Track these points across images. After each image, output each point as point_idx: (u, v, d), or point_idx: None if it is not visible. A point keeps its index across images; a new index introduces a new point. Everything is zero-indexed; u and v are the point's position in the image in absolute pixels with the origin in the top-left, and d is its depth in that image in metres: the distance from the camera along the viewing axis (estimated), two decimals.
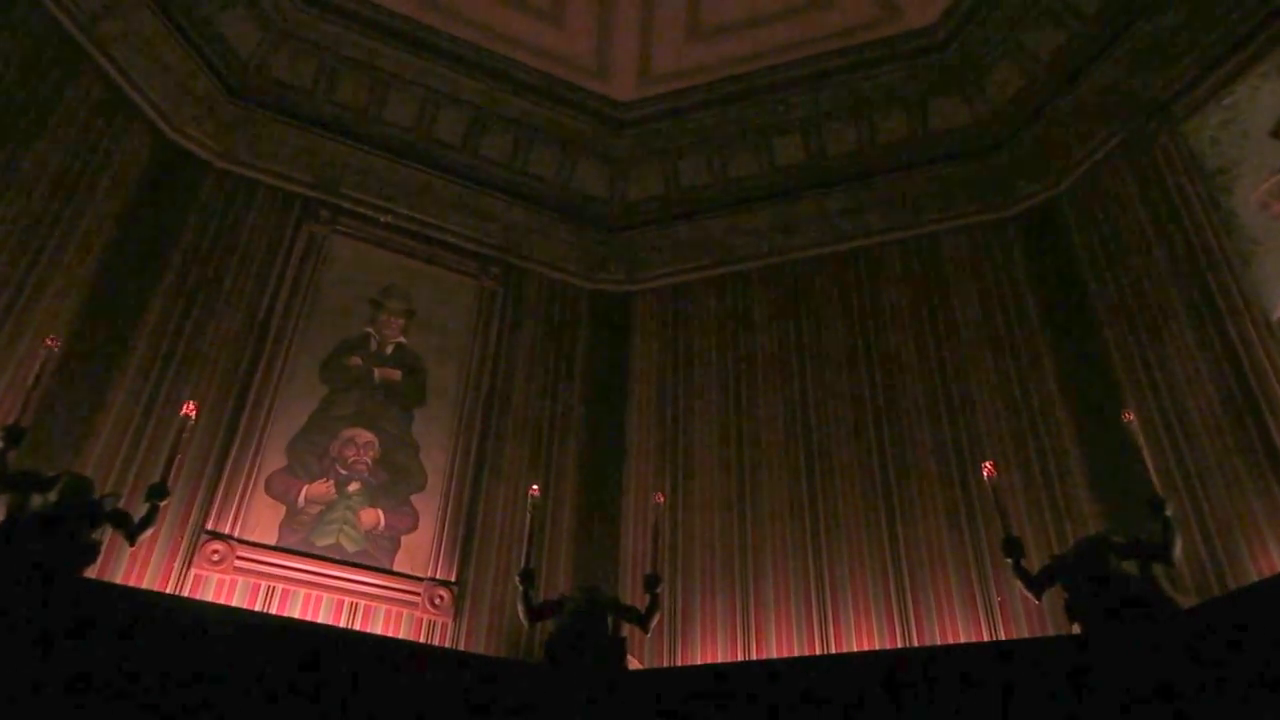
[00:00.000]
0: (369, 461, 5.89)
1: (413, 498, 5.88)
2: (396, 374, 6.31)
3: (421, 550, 5.77)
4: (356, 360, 6.25)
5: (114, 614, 4.05)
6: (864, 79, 6.74)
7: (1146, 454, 4.36)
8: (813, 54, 6.65)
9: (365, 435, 5.98)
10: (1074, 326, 5.80)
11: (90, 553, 4.22)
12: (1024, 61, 6.29)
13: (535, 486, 5.41)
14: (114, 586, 4.60)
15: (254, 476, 5.52)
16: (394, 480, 5.87)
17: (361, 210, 6.73)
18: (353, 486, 5.75)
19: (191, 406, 4.75)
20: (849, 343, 6.36)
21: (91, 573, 4.36)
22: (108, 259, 5.56)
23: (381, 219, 6.75)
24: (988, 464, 4.75)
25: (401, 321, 6.52)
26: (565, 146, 7.20)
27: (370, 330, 6.41)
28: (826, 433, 6.08)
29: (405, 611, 5.53)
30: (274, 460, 5.65)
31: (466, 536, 5.91)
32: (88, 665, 3.85)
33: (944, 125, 6.72)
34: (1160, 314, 5.34)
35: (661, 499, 5.54)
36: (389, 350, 6.40)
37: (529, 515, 5.21)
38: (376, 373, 6.26)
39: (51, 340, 4.57)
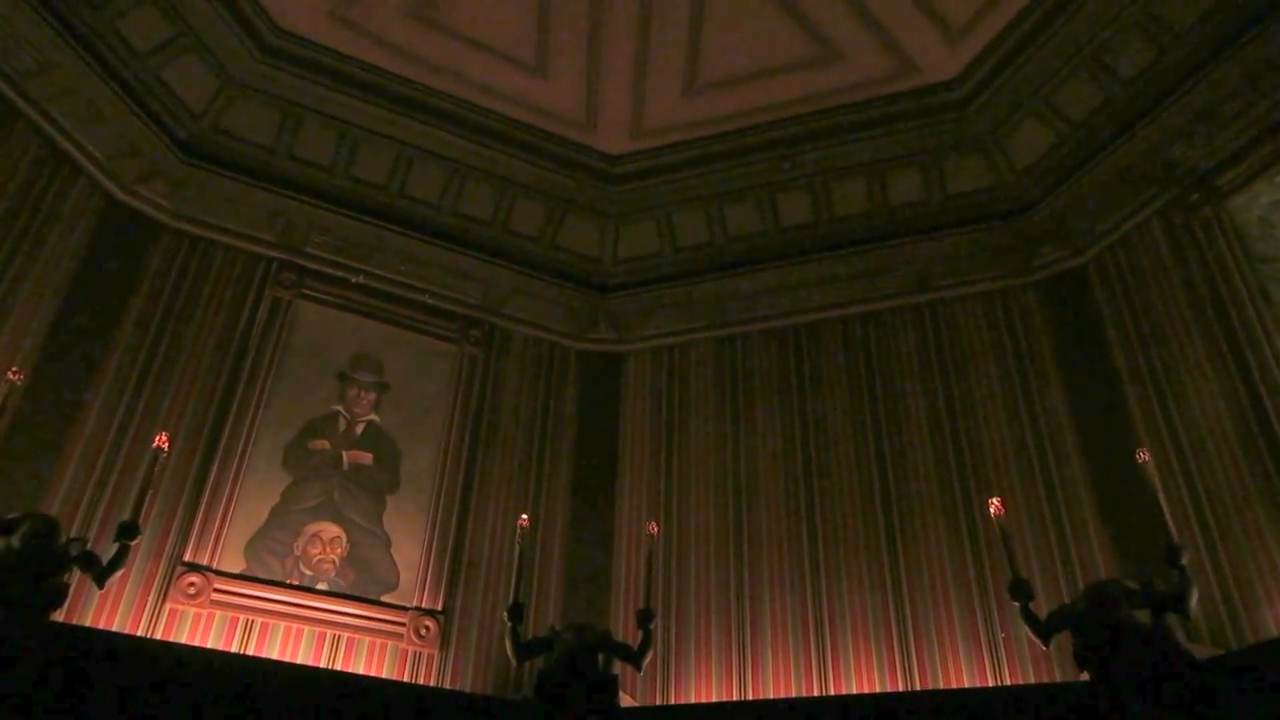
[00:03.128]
0: (336, 560, 5.48)
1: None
2: (367, 457, 5.87)
3: (406, 581, 5.55)
4: (324, 443, 5.79)
5: (83, 661, 3.94)
6: (877, 136, 6.28)
7: (1162, 497, 4.19)
8: (822, 108, 6.20)
9: (332, 530, 5.56)
10: (1094, 388, 5.56)
11: (57, 598, 4.05)
12: (1053, 122, 5.85)
13: (524, 517, 5.20)
14: (83, 631, 4.40)
15: (231, 509, 5.27)
16: (363, 580, 5.48)
17: (330, 271, 6.27)
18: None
19: (164, 438, 4.55)
20: (854, 390, 6.17)
21: (60, 611, 4.17)
22: (57, 323, 5.21)
23: (353, 279, 6.30)
24: (995, 500, 4.57)
25: (373, 396, 6.07)
26: (552, 202, 6.76)
27: (339, 408, 5.95)
28: (826, 464, 5.93)
29: (390, 643, 5.32)
30: (230, 563, 5.22)
31: (454, 563, 5.70)
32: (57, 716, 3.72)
33: (962, 186, 6.29)
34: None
35: (654, 529, 5.37)
36: (359, 430, 5.95)
37: (517, 547, 5.03)
38: (345, 457, 5.81)
39: (14, 373, 4.35)
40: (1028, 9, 5.51)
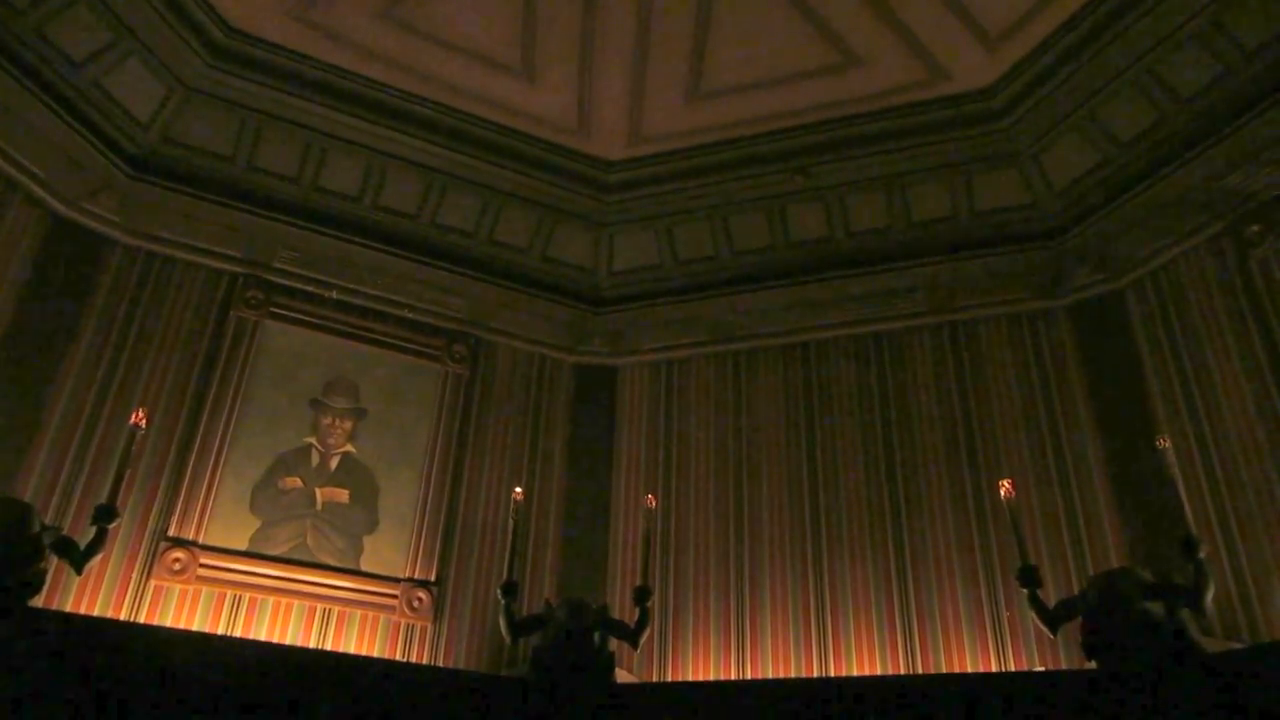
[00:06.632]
0: None
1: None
2: (343, 494, 5.48)
3: (398, 551, 5.41)
4: (295, 481, 5.39)
5: (66, 648, 3.79)
6: (901, 147, 5.72)
7: (1181, 487, 4.00)
8: (840, 116, 5.63)
9: None
10: (1121, 396, 5.26)
11: (34, 585, 3.88)
12: (1098, 140, 5.29)
13: (519, 490, 5.07)
14: (64, 616, 4.24)
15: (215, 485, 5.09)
16: None
17: (300, 287, 5.80)
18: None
19: (141, 415, 4.29)
20: (863, 389, 5.88)
21: (40, 595, 4.04)
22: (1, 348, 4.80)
23: (326, 294, 5.83)
24: (1005, 482, 4.38)
25: (349, 424, 5.65)
26: (541, 211, 6.23)
27: (312, 441, 5.54)
28: (830, 439, 5.77)
29: (382, 616, 5.23)
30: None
31: (446, 532, 5.58)
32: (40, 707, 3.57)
33: (993, 203, 5.75)
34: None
35: (652, 502, 5.21)
36: (334, 464, 5.54)
37: (511, 521, 4.88)
38: (319, 495, 5.42)
39: None
40: (1078, 15, 4.89)
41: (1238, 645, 4.14)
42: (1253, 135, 4.73)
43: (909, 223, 5.93)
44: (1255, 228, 4.79)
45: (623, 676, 4.91)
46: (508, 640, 4.77)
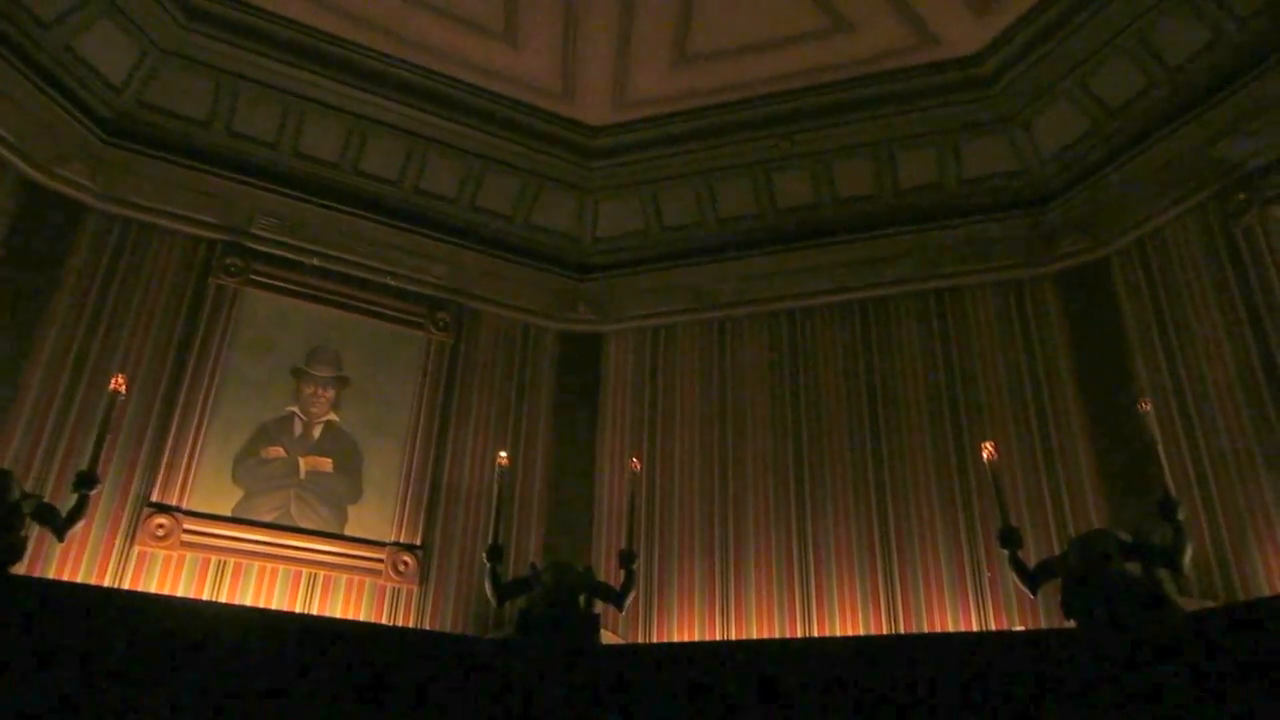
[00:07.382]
0: None
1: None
2: (327, 463, 5.45)
3: (382, 520, 5.42)
4: (278, 450, 5.36)
5: (49, 615, 3.72)
6: (888, 113, 5.67)
7: (1161, 449, 4.07)
8: (828, 82, 5.56)
9: None
10: (1104, 364, 5.27)
11: (15, 552, 3.83)
12: (1088, 107, 5.25)
13: (504, 454, 5.06)
14: (47, 583, 4.26)
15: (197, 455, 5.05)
16: None
17: (280, 254, 5.71)
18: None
19: (121, 380, 4.26)
20: (849, 356, 5.87)
21: (21, 564, 4.00)
22: None
23: (307, 262, 5.76)
24: (987, 444, 4.43)
25: (332, 393, 5.60)
26: (524, 177, 6.15)
27: (294, 409, 5.50)
28: (815, 401, 5.78)
29: (368, 580, 5.26)
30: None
31: (431, 498, 5.59)
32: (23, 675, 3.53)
33: (981, 170, 5.72)
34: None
35: (637, 465, 5.24)
36: (317, 433, 5.50)
37: (496, 485, 4.91)
38: (302, 464, 5.39)
39: None
40: None
41: (1213, 605, 4.20)
42: (1241, 103, 4.71)
43: (896, 189, 5.89)
44: (1241, 196, 4.78)
45: (608, 638, 4.92)
46: (493, 603, 4.80)
